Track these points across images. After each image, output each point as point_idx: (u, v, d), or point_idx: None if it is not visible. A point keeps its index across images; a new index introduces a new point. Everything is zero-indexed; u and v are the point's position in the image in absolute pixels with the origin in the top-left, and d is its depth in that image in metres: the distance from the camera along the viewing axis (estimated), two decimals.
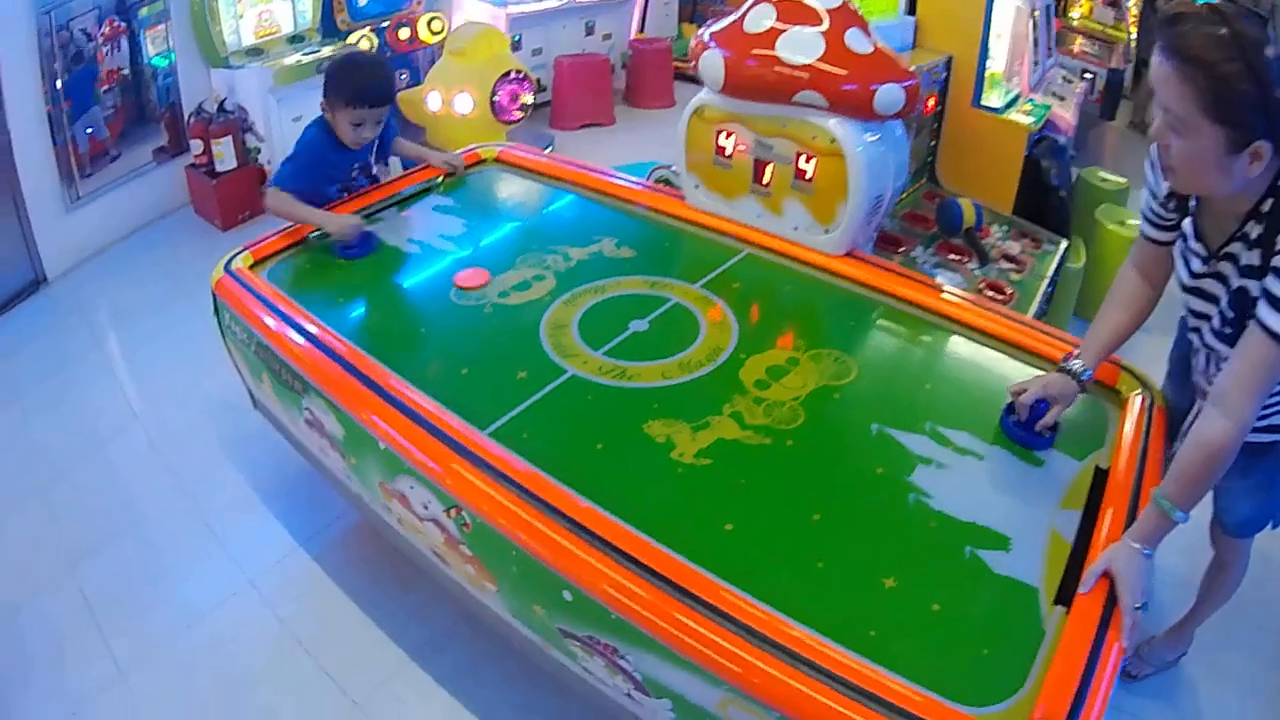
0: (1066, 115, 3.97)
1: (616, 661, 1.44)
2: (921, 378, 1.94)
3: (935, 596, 1.37)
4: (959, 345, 2.03)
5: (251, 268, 2.24)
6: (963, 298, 2.13)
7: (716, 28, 2.29)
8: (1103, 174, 4.06)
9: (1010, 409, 1.73)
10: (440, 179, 2.75)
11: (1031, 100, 3.71)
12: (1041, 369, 1.87)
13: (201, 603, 2.42)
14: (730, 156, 2.36)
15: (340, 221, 2.36)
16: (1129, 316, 1.74)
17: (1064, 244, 3.39)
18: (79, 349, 3.61)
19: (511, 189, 2.78)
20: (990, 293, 2.88)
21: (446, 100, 4.88)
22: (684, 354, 1.91)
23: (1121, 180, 3.99)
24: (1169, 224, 1.62)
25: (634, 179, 2.72)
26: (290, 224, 2.44)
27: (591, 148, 5.53)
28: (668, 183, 3.43)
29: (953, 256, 3.10)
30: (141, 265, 4.18)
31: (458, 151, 2.85)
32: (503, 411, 1.73)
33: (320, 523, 2.64)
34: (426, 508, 1.64)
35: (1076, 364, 1.73)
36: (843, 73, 2.11)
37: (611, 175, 2.73)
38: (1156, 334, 2.00)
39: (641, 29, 6.71)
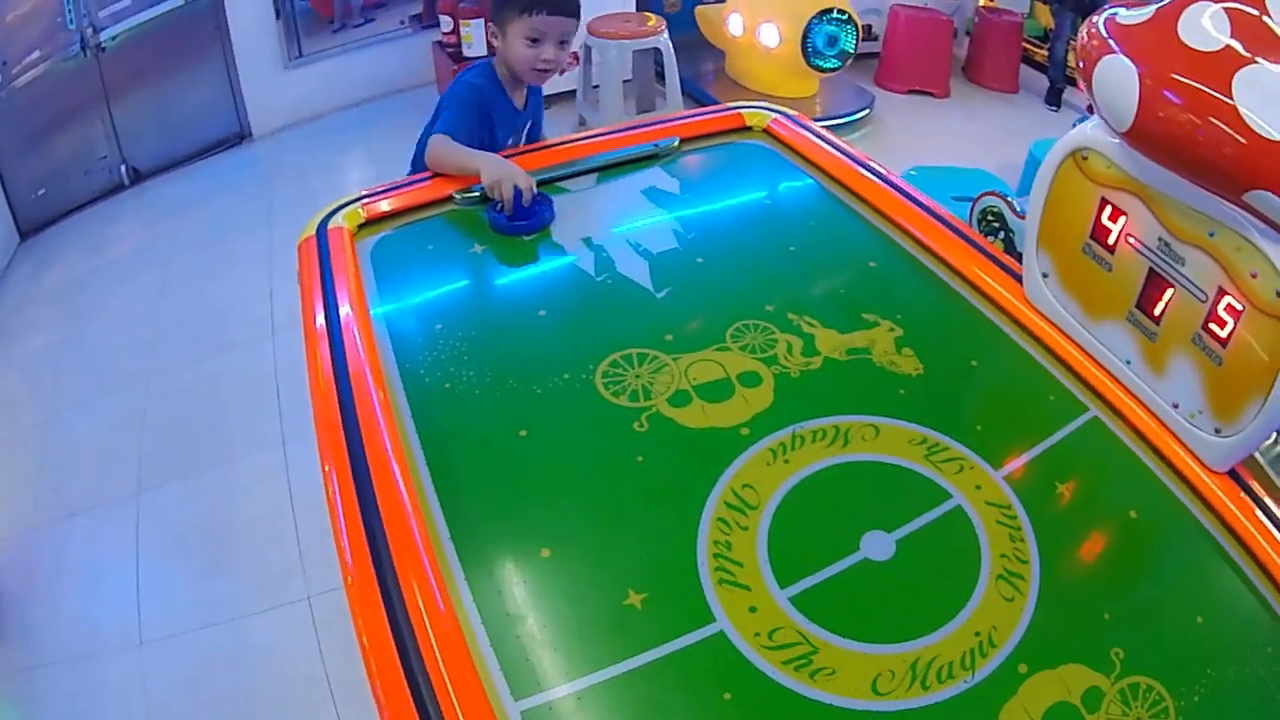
0: None
1: None
2: None
3: None
4: None
5: (359, 229, 1.54)
6: None
7: (1129, 17, 1.22)
8: None
9: None
10: (677, 139, 1.91)
11: None
12: None
13: (248, 598, 2.13)
14: (1114, 248, 1.34)
15: (506, 168, 1.61)
16: None
17: None
18: (248, 222, 3.23)
19: (770, 186, 1.89)
20: None
21: (749, 27, 4.09)
22: (931, 639, 1.00)
23: None
24: None
25: (954, 221, 1.74)
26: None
27: (917, 121, 4.66)
28: (997, 218, 2.42)
29: None
30: (355, 141, 3.76)
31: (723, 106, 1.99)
32: (576, 670, 0.93)
33: None
34: None
35: None
36: None
37: (928, 207, 1.74)
38: None
39: None
